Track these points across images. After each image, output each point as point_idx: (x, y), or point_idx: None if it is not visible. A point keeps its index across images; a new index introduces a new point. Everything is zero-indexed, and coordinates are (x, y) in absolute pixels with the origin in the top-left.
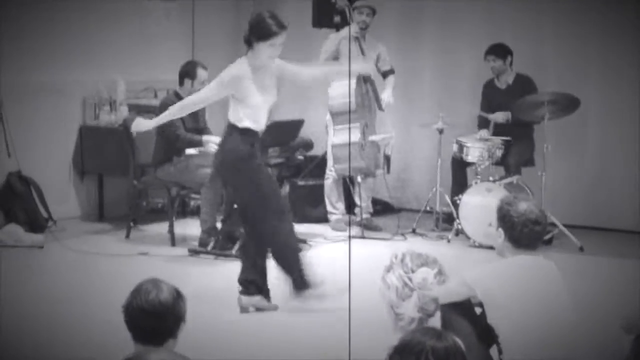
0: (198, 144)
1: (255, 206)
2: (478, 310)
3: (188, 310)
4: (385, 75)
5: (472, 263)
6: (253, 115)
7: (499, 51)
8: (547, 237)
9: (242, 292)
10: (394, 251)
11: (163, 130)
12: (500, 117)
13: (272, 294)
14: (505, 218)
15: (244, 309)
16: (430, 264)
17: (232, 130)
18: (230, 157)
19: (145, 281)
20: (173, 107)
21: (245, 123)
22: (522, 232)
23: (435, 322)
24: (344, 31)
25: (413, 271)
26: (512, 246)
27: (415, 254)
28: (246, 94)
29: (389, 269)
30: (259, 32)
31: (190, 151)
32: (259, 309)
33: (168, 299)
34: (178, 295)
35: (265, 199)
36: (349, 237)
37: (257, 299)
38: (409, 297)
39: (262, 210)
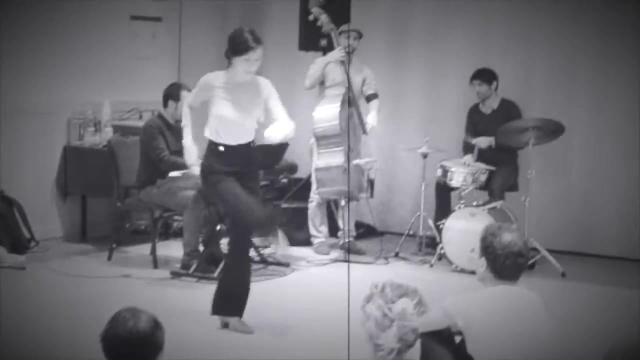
0: (182, 166)
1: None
2: (458, 338)
3: (170, 333)
4: (369, 99)
5: (454, 288)
6: (224, 128)
7: (485, 76)
8: (529, 262)
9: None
10: (374, 281)
11: (147, 153)
12: (483, 142)
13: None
14: (488, 249)
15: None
16: (411, 295)
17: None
18: (201, 170)
19: (123, 309)
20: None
21: (213, 136)
22: (504, 264)
23: (415, 351)
24: (330, 55)
25: (393, 302)
26: (493, 277)
27: (395, 284)
28: (217, 103)
29: (368, 299)
30: (235, 46)
31: (173, 173)
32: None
33: (146, 328)
34: (156, 325)
35: (234, 214)
36: (349, 261)
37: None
38: (388, 327)
39: (231, 223)
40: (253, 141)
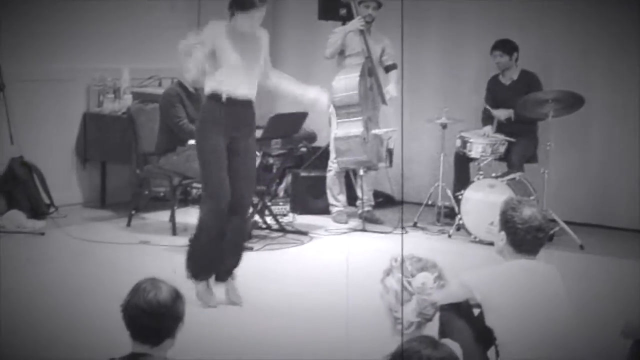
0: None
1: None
2: (476, 311)
3: (187, 300)
4: (387, 69)
5: (472, 259)
6: (231, 77)
7: (506, 47)
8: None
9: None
10: (393, 255)
11: (166, 121)
12: (502, 114)
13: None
14: (508, 223)
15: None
16: (430, 269)
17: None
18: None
19: (144, 280)
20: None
21: (217, 86)
22: (524, 238)
23: (434, 324)
24: (350, 25)
25: (413, 275)
26: (513, 250)
27: (415, 258)
28: (225, 52)
29: (388, 272)
30: (237, 2)
31: (193, 141)
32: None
33: (167, 299)
34: (177, 296)
35: (204, 178)
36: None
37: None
38: (408, 301)
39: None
40: (253, 102)
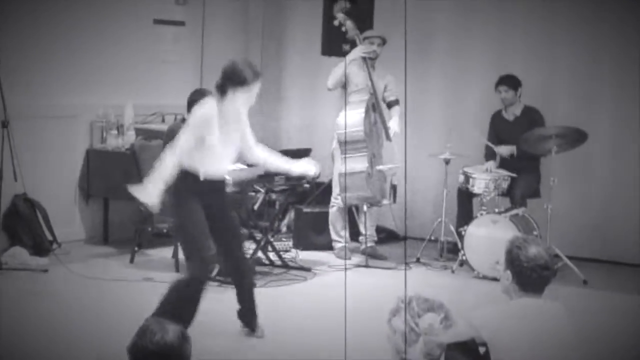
0: None
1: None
2: (482, 349)
3: (194, 337)
4: (390, 105)
5: (476, 295)
6: (212, 158)
7: (511, 82)
8: None
9: None
10: (400, 295)
11: None
12: (505, 150)
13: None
14: (514, 262)
15: None
16: (437, 309)
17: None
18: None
19: (150, 321)
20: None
21: (196, 164)
22: (530, 277)
23: None
24: (352, 53)
25: (419, 316)
26: (518, 289)
27: (421, 299)
28: (212, 134)
29: (395, 312)
30: (234, 79)
31: None
32: None
33: (174, 340)
34: (184, 337)
35: (185, 245)
36: (345, 268)
37: None
38: (415, 342)
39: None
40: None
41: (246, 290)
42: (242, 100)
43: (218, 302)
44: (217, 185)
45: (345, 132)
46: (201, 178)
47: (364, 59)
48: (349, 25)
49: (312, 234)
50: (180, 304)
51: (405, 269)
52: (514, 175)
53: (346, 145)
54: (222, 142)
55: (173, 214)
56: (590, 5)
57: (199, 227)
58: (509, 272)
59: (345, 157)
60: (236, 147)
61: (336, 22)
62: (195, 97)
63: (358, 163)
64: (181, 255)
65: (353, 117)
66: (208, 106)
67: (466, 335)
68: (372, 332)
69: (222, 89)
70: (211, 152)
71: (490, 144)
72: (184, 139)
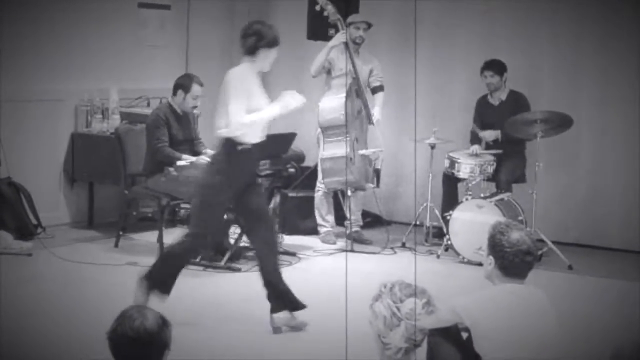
0: (177, 159)
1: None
2: (464, 335)
3: (174, 323)
4: (374, 91)
5: (461, 279)
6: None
7: (497, 67)
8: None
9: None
10: (382, 281)
11: (149, 141)
12: (489, 135)
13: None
14: (496, 247)
15: None
16: (419, 294)
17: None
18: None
19: (130, 307)
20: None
21: (241, 132)
22: (513, 262)
23: (422, 349)
24: (333, 39)
25: (402, 301)
26: (501, 274)
27: (404, 284)
28: (255, 97)
29: (377, 298)
30: (268, 38)
31: (181, 162)
32: None
33: (153, 326)
34: (164, 323)
35: (195, 224)
36: (346, 251)
37: None
38: (396, 326)
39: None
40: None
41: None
42: (271, 59)
43: (205, 287)
44: (255, 150)
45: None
46: (249, 146)
47: (345, 44)
48: (330, 9)
49: (298, 218)
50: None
51: (416, 256)
52: (499, 152)
53: (328, 130)
54: (263, 104)
55: (201, 184)
56: None
57: (220, 210)
58: (491, 257)
59: (325, 142)
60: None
61: (317, 7)
62: (182, 81)
63: (340, 148)
64: (166, 240)
65: (333, 102)
66: (242, 68)
67: (448, 321)
68: (357, 317)
69: (253, 50)
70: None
71: (475, 128)
72: (235, 108)
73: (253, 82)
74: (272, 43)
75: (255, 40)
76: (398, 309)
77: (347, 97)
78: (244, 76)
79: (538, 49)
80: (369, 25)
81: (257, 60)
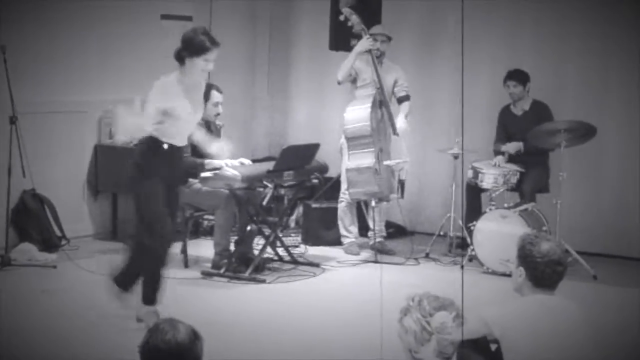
0: (200, 167)
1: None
2: (493, 346)
3: (203, 334)
4: (400, 100)
5: (485, 290)
6: (175, 127)
7: (520, 77)
8: None
9: None
10: (410, 294)
11: None
12: (512, 148)
13: None
14: (527, 258)
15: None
16: (448, 307)
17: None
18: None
19: (162, 320)
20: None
21: (159, 132)
22: (544, 272)
23: None
24: (359, 45)
25: (431, 315)
26: (532, 285)
27: (432, 297)
28: (175, 102)
29: (405, 312)
30: (192, 47)
31: (205, 174)
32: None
33: (185, 339)
34: (195, 336)
35: (147, 220)
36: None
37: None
38: (427, 341)
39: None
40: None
41: None
42: (200, 67)
43: (230, 298)
44: (178, 154)
45: (348, 129)
46: (165, 147)
47: (370, 51)
48: (354, 19)
49: (321, 229)
50: (143, 272)
51: (463, 271)
52: (522, 169)
53: (353, 140)
54: (189, 111)
55: (135, 185)
56: (600, 0)
57: (160, 202)
58: (521, 268)
59: (350, 152)
60: (199, 115)
61: (342, 17)
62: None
63: (365, 158)
64: (190, 251)
65: (359, 112)
66: (167, 79)
67: (478, 332)
68: (384, 328)
69: (181, 58)
70: (179, 121)
71: (498, 145)
72: (148, 109)
73: (174, 92)
74: (198, 52)
75: (181, 48)
76: (428, 323)
77: (371, 107)
78: (165, 87)
79: (562, 58)
80: (389, 39)
81: (185, 69)
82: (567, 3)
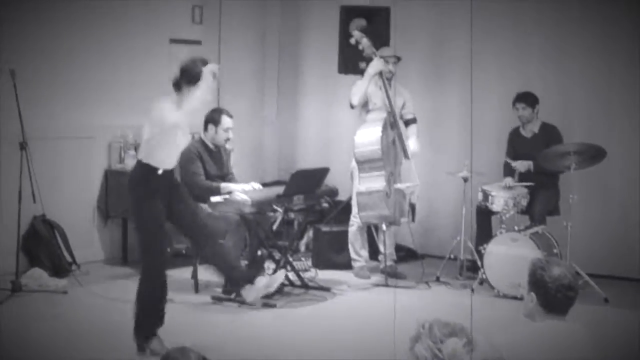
0: (216, 191)
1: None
2: None
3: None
4: (407, 123)
5: (496, 313)
6: (170, 153)
7: (529, 99)
8: None
9: None
10: (420, 321)
11: (184, 177)
12: (521, 166)
13: None
14: (538, 283)
15: None
16: (459, 333)
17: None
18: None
19: (172, 350)
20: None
21: (154, 160)
22: (555, 297)
23: None
24: (371, 67)
25: (442, 341)
26: (543, 311)
27: (442, 323)
28: (172, 131)
29: (416, 339)
30: (188, 76)
31: (215, 198)
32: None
33: None
34: None
35: (144, 246)
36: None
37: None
38: None
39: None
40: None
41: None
42: (196, 95)
43: (241, 323)
44: (170, 175)
45: (357, 151)
46: (160, 172)
47: (381, 73)
48: (365, 43)
49: (331, 253)
50: (151, 304)
51: (472, 295)
52: (531, 184)
53: (363, 164)
54: (183, 139)
55: (134, 210)
56: (607, 22)
57: (161, 225)
58: (533, 294)
59: (361, 176)
60: (187, 140)
61: (352, 40)
62: (212, 116)
63: (376, 182)
64: (201, 276)
65: (370, 135)
66: (165, 101)
67: (491, 357)
68: (397, 353)
69: (178, 86)
70: (174, 148)
71: (508, 161)
72: (146, 136)
73: (172, 116)
74: (194, 80)
75: (179, 77)
76: (440, 350)
77: (382, 130)
78: (162, 111)
79: (571, 81)
80: (398, 59)
81: (181, 96)
82: (574, 25)
